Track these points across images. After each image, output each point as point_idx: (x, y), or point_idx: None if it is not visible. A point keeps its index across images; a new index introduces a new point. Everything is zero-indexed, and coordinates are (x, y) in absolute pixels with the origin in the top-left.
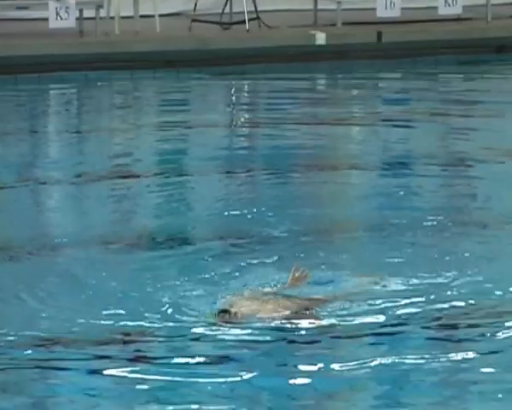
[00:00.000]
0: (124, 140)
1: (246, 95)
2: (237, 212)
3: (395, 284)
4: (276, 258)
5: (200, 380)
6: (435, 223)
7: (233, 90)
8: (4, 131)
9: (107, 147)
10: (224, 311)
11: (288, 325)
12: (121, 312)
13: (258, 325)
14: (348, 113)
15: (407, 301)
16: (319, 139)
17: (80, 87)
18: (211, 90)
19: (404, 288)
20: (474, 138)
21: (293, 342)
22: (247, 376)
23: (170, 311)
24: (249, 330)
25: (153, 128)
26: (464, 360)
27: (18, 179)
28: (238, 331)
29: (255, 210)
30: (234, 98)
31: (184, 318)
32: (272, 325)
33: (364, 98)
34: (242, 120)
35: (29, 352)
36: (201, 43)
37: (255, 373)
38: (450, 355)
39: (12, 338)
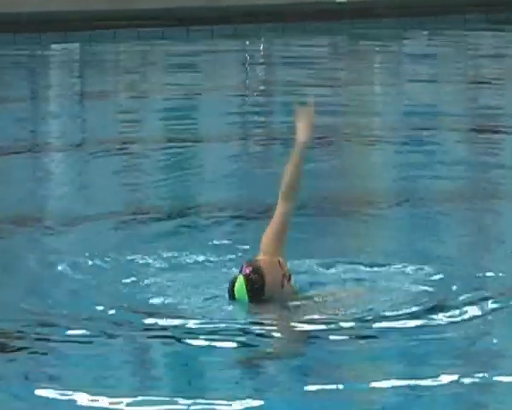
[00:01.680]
0: (130, 104)
1: (260, 57)
2: (249, 180)
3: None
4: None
5: (215, 358)
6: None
7: (246, 51)
8: (2, 94)
9: (111, 111)
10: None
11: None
12: (131, 284)
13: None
14: (370, 75)
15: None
16: (338, 102)
17: (83, 47)
18: (222, 51)
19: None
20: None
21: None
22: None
23: (183, 282)
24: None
25: (160, 91)
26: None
27: (16, 146)
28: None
29: (268, 179)
30: (247, 60)
31: (199, 289)
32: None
33: (388, 59)
34: (255, 83)
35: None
36: (212, 1)
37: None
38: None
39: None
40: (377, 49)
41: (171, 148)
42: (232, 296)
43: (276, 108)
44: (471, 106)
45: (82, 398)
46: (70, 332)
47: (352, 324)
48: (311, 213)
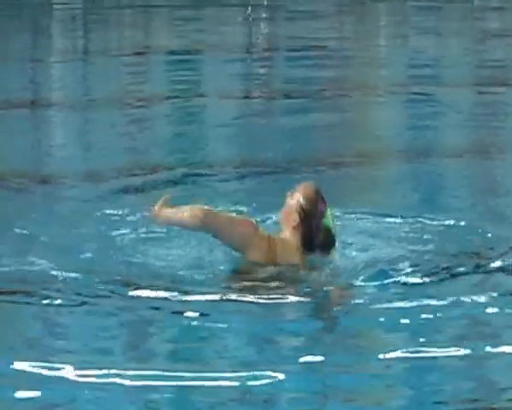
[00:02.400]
0: (134, 62)
1: (264, 12)
2: (255, 139)
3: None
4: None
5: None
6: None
7: (250, 5)
8: (5, 51)
9: (116, 69)
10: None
11: None
12: (130, 245)
13: None
14: (375, 29)
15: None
16: (343, 55)
17: (86, 2)
18: (226, 7)
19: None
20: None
21: None
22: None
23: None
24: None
25: (164, 48)
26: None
27: (20, 103)
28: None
29: (274, 137)
30: (251, 15)
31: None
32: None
33: (394, 11)
34: (261, 40)
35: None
36: None
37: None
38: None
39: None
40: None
41: (174, 104)
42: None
43: (279, 63)
44: (478, 59)
45: (69, 369)
46: (59, 298)
47: (360, 290)
48: (317, 167)
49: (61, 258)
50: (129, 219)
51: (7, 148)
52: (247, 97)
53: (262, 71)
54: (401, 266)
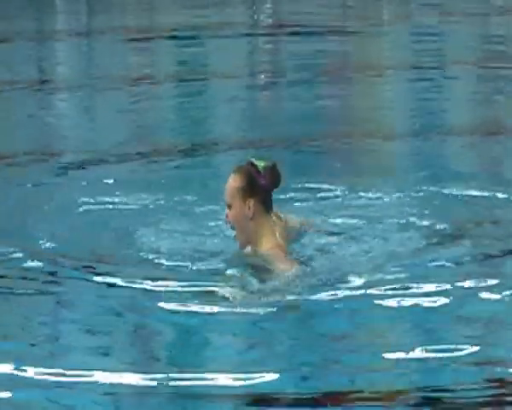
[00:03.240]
0: (139, 42)
1: None
2: (260, 120)
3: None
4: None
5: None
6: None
7: None
8: (11, 31)
9: (121, 49)
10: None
11: None
12: (134, 227)
13: None
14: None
15: None
16: (347, 32)
17: None
18: None
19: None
20: None
21: None
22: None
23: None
24: None
25: (169, 29)
26: None
27: (27, 83)
28: None
29: (279, 118)
30: None
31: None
32: None
33: None
34: (265, 21)
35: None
36: None
37: None
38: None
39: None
40: None
41: (180, 85)
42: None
43: (284, 44)
44: (482, 36)
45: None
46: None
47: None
48: (322, 144)
49: (61, 241)
50: (131, 206)
51: (11, 127)
52: (251, 76)
53: (267, 49)
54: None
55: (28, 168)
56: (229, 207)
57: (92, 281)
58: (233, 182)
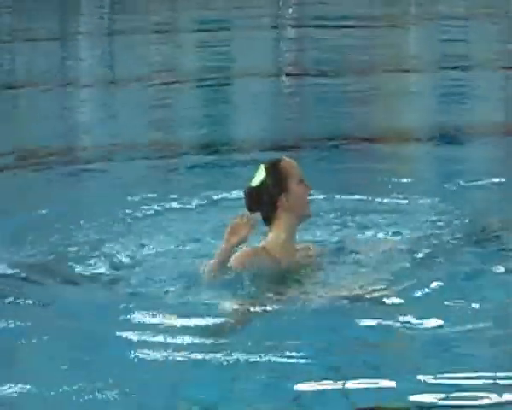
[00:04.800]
0: (161, 41)
1: None
2: (282, 118)
3: None
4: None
5: None
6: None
7: None
8: (33, 31)
9: (142, 48)
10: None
11: None
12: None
13: None
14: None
15: None
16: (371, 35)
17: None
18: None
19: None
20: None
21: None
22: None
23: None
24: None
25: (192, 27)
26: None
27: (49, 82)
28: None
29: (304, 115)
30: None
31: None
32: None
33: None
34: (289, 17)
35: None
36: None
37: None
38: None
39: None
40: None
41: (202, 83)
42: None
43: (307, 41)
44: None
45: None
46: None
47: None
48: (341, 144)
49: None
50: (148, 195)
51: (34, 126)
52: (275, 75)
53: (291, 46)
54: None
55: (50, 166)
56: None
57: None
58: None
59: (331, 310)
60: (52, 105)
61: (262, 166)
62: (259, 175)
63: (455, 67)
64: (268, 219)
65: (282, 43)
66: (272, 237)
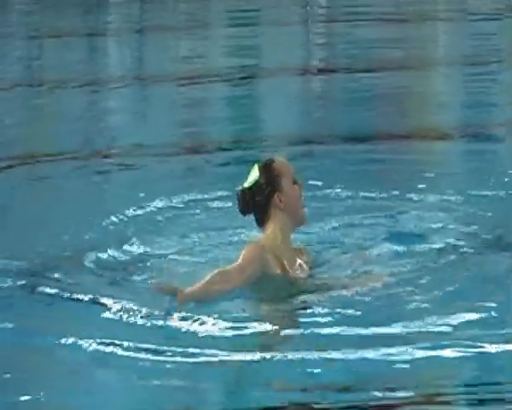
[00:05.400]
0: (190, 38)
1: None
2: (310, 114)
3: None
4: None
5: None
6: None
7: None
8: (61, 28)
9: (172, 46)
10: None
11: None
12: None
13: None
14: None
15: None
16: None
17: None
18: None
19: None
20: None
21: None
22: None
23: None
24: None
25: (222, 24)
26: None
27: (75, 81)
28: None
29: (330, 112)
30: None
31: None
32: None
33: None
34: (318, 14)
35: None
36: None
37: None
38: None
39: None
40: None
41: (231, 81)
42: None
43: (336, 39)
44: None
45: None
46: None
47: None
48: (370, 141)
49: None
50: (177, 194)
51: (63, 125)
52: (305, 70)
53: (321, 42)
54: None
55: (79, 163)
56: None
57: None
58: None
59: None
60: (80, 102)
61: (255, 166)
62: (253, 175)
63: (485, 63)
64: (262, 221)
65: (312, 38)
66: (269, 236)
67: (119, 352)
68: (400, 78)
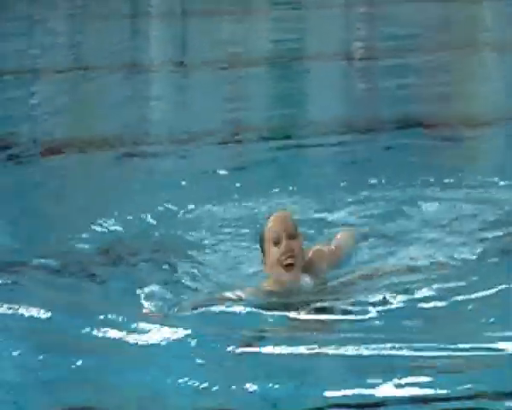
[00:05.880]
0: (232, 24)
1: None
2: (353, 97)
3: None
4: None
5: None
6: None
7: None
8: (103, 13)
9: (213, 31)
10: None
11: None
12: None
13: None
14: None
15: None
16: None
17: None
18: None
19: None
20: None
21: None
22: None
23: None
24: None
25: (264, 7)
26: None
27: (116, 65)
28: None
29: (373, 96)
30: None
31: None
32: None
33: None
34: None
35: None
36: None
37: None
38: None
39: None
40: None
41: (273, 66)
42: None
43: (380, 19)
44: None
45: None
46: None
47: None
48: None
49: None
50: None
51: (106, 111)
52: (348, 55)
53: (362, 29)
54: None
55: (122, 150)
56: (294, 237)
57: None
58: (290, 214)
59: None
60: (123, 88)
61: None
62: None
63: None
64: None
65: (355, 22)
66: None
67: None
68: (447, 60)
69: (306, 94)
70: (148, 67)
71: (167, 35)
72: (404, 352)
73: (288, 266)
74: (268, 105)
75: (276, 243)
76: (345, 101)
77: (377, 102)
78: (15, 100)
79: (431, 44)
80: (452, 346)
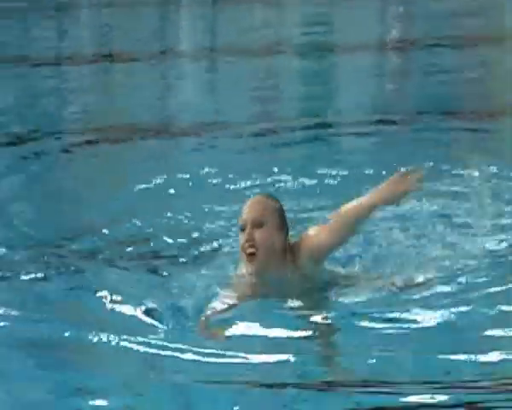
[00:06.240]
0: (264, 13)
1: None
2: (383, 88)
3: None
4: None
5: None
6: None
7: None
8: (134, 1)
9: (246, 20)
10: None
11: None
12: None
13: None
14: None
15: None
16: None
17: None
18: None
19: None
20: None
21: None
22: None
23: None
24: None
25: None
26: None
27: (148, 53)
28: None
29: (404, 86)
30: None
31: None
32: None
33: None
34: None
35: None
36: None
37: None
38: None
39: None
40: None
41: (304, 57)
42: None
43: (414, 10)
44: None
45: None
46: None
47: None
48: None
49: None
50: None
51: (134, 99)
52: (382, 46)
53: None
54: None
55: (150, 138)
56: (261, 225)
57: None
58: (269, 200)
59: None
60: (152, 76)
61: None
62: None
63: None
64: None
65: (388, 14)
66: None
67: None
68: (484, 51)
69: (337, 84)
70: (177, 53)
71: (197, 22)
72: None
73: (250, 256)
74: (299, 94)
75: (242, 229)
76: (376, 91)
77: (411, 93)
78: (48, 90)
79: (461, 37)
80: None
